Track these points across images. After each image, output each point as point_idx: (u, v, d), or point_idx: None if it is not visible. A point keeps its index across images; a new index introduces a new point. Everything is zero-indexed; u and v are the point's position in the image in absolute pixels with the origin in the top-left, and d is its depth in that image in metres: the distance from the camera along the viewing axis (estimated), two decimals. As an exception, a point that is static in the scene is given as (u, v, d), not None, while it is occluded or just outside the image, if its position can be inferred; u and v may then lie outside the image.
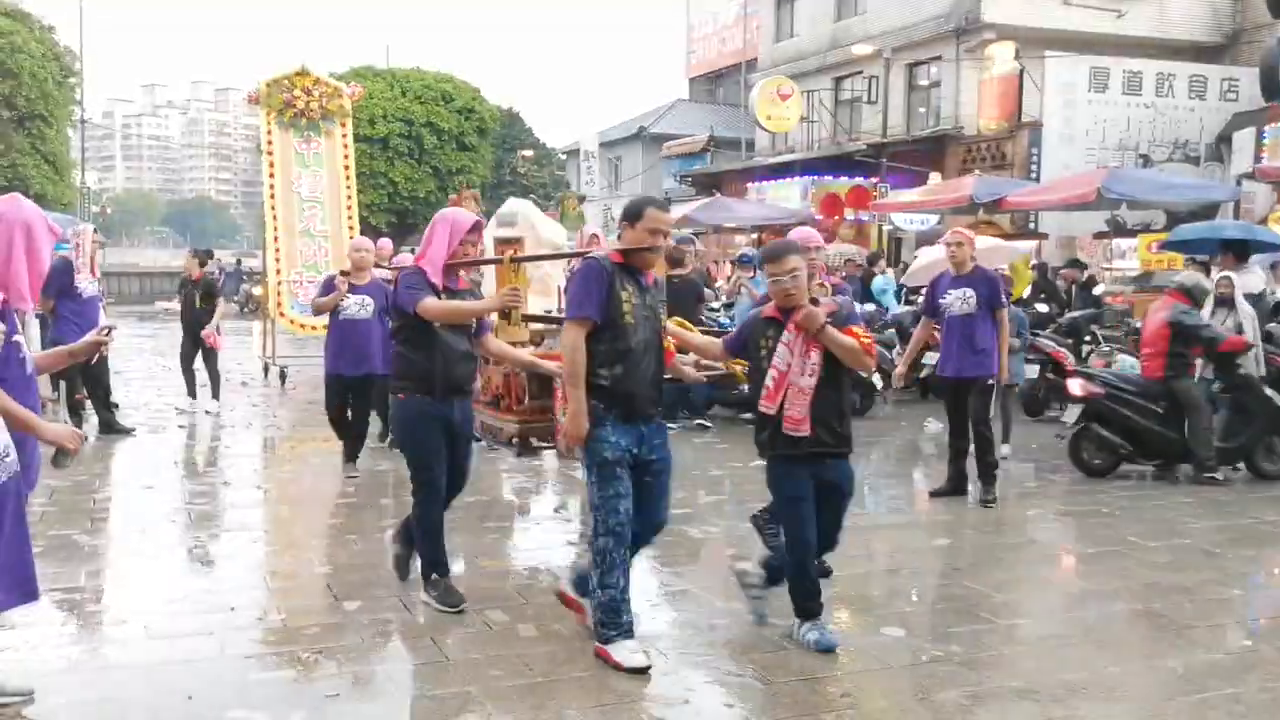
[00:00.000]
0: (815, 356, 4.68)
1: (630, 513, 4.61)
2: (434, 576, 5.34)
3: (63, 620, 5.06)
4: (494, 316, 5.66)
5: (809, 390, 4.67)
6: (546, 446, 6.98)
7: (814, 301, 4.78)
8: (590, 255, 4.97)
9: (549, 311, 7.57)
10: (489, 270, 6.67)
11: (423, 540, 5.38)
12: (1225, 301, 9.51)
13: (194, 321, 11.93)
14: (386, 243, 12.88)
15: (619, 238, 4.84)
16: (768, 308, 4.90)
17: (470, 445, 5.60)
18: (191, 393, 12.04)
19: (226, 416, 11.55)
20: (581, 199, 31.83)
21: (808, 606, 4.84)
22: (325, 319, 8.72)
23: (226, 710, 4.09)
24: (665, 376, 5.41)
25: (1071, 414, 8.89)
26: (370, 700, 4.25)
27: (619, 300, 4.59)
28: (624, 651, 4.54)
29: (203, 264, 12.52)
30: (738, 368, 5.38)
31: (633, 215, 4.71)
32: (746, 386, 5.41)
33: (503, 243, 6.90)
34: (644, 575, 6.01)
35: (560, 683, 4.40)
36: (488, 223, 8.56)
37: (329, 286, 8.50)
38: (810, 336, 4.67)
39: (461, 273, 5.69)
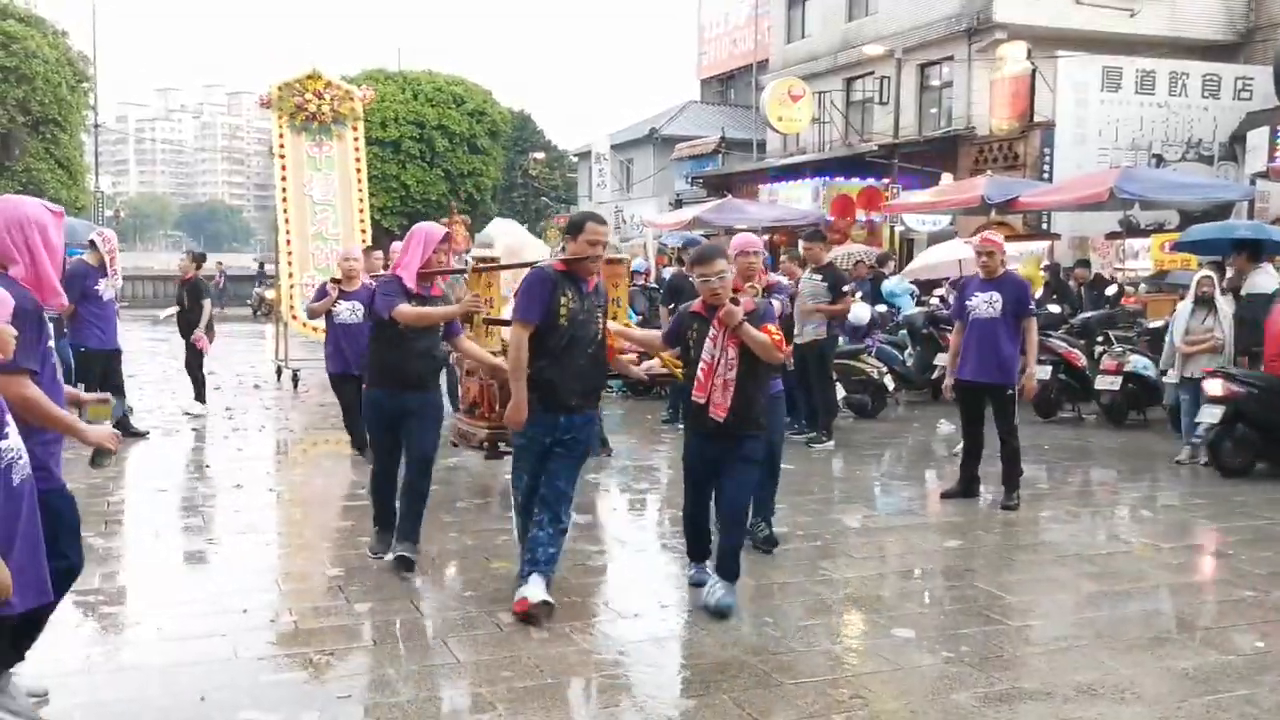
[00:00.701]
0: (733, 351, 5.19)
1: (529, 489, 5.38)
2: (376, 529, 6.20)
3: (77, 622, 5.09)
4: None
5: (732, 382, 5.19)
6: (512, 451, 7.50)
7: (734, 301, 5.23)
8: (537, 265, 5.58)
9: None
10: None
11: (372, 497, 6.27)
12: (1206, 301, 9.52)
13: (187, 324, 12.00)
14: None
15: (563, 249, 5.47)
16: (695, 303, 5.45)
17: (433, 432, 6.13)
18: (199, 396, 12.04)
19: (239, 419, 11.59)
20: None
21: (696, 549, 5.66)
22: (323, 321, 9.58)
23: (239, 711, 4.11)
24: (610, 373, 6.14)
25: (1209, 414, 8.91)
26: (381, 701, 4.26)
27: (558, 304, 5.17)
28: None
29: (198, 266, 12.54)
30: (677, 369, 5.83)
31: (574, 229, 5.31)
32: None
33: (481, 260, 7.58)
34: (656, 578, 6.03)
35: (571, 684, 4.41)
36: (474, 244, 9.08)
37: (322, 292, 9.31)
38: (730, 332, 5.16)
39: (439, 280, 6.33)
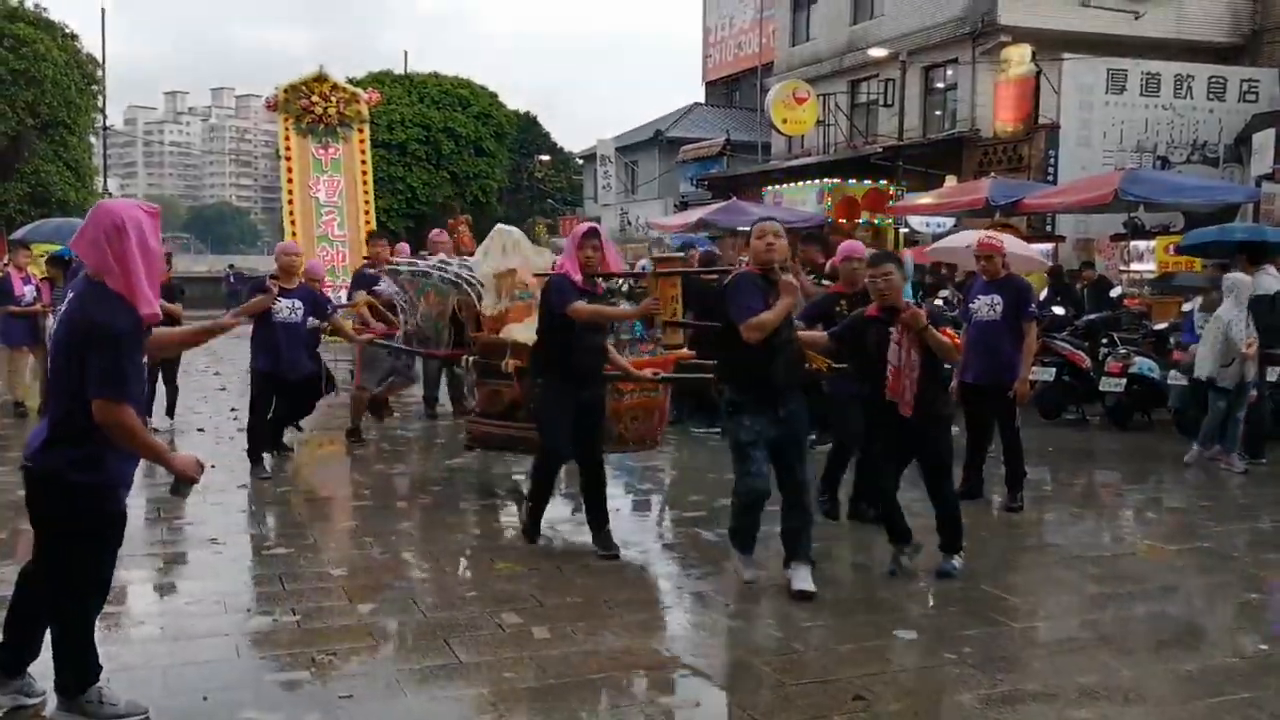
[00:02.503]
0: (915, 354, 5.57)
1: (760, 487, 5.44)
2: (530, 505, 6.49)
3: (80, 622, 5.08)
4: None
5: (915, 381, 5.59)
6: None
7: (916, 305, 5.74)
8: (740, 272, 5.75)
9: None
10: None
11: (534, 487, 6.53)
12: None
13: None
14: (403, 247, 13.00)
15: (744, 260, 6.06)
16: (869, 308, 5.85)
17: (600, 421, 6.40)
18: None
19: (245, 420, 11.57)
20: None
21: (900, 531, 5.94)
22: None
23: (241, 711, 4.12)
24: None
25: None
26: (383, 702, 4.26)
27: (770, 303, 5.40)
28: (738, 564, 5.67)
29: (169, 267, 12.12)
30: (822, 364, 6.34)
31: (749, 238, 5.75)
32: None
33: (499, 275, 7.46)
34: (659, 578, 6.03)
35: (574, 685, 4.40)
36: (478, 249, 8.83)
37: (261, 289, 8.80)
38: (913, 335, 5.54)
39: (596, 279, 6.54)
